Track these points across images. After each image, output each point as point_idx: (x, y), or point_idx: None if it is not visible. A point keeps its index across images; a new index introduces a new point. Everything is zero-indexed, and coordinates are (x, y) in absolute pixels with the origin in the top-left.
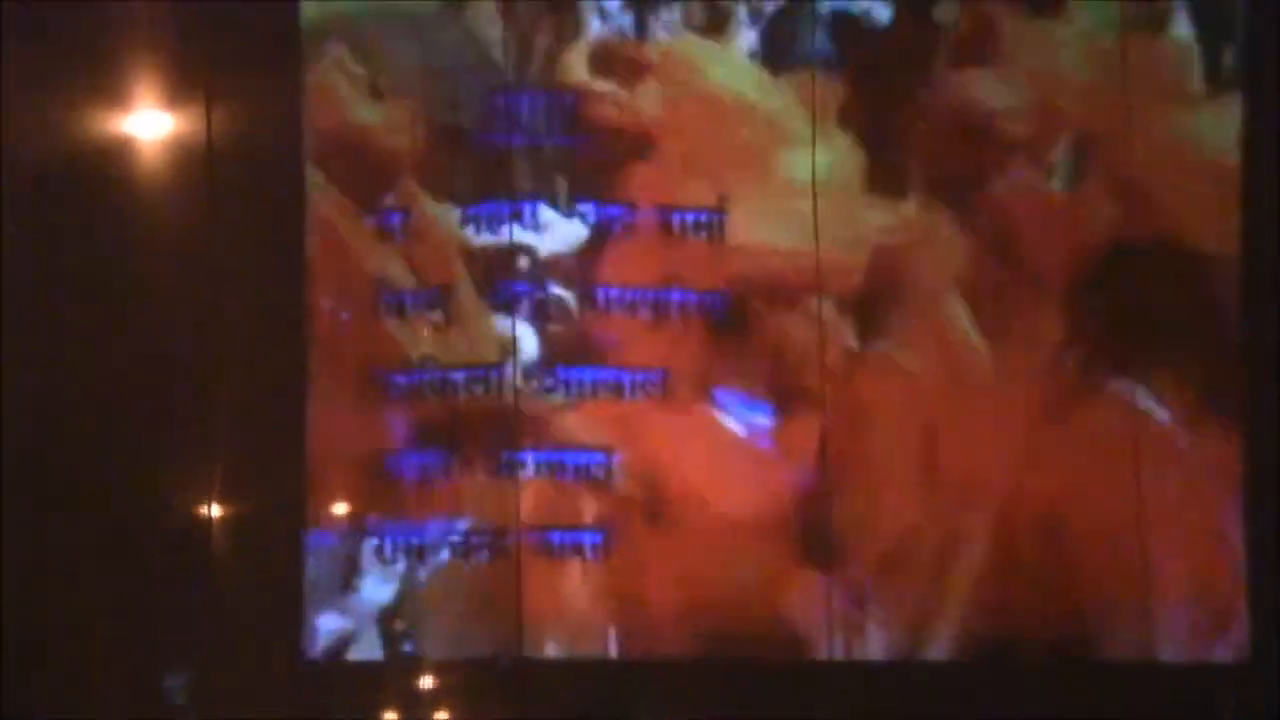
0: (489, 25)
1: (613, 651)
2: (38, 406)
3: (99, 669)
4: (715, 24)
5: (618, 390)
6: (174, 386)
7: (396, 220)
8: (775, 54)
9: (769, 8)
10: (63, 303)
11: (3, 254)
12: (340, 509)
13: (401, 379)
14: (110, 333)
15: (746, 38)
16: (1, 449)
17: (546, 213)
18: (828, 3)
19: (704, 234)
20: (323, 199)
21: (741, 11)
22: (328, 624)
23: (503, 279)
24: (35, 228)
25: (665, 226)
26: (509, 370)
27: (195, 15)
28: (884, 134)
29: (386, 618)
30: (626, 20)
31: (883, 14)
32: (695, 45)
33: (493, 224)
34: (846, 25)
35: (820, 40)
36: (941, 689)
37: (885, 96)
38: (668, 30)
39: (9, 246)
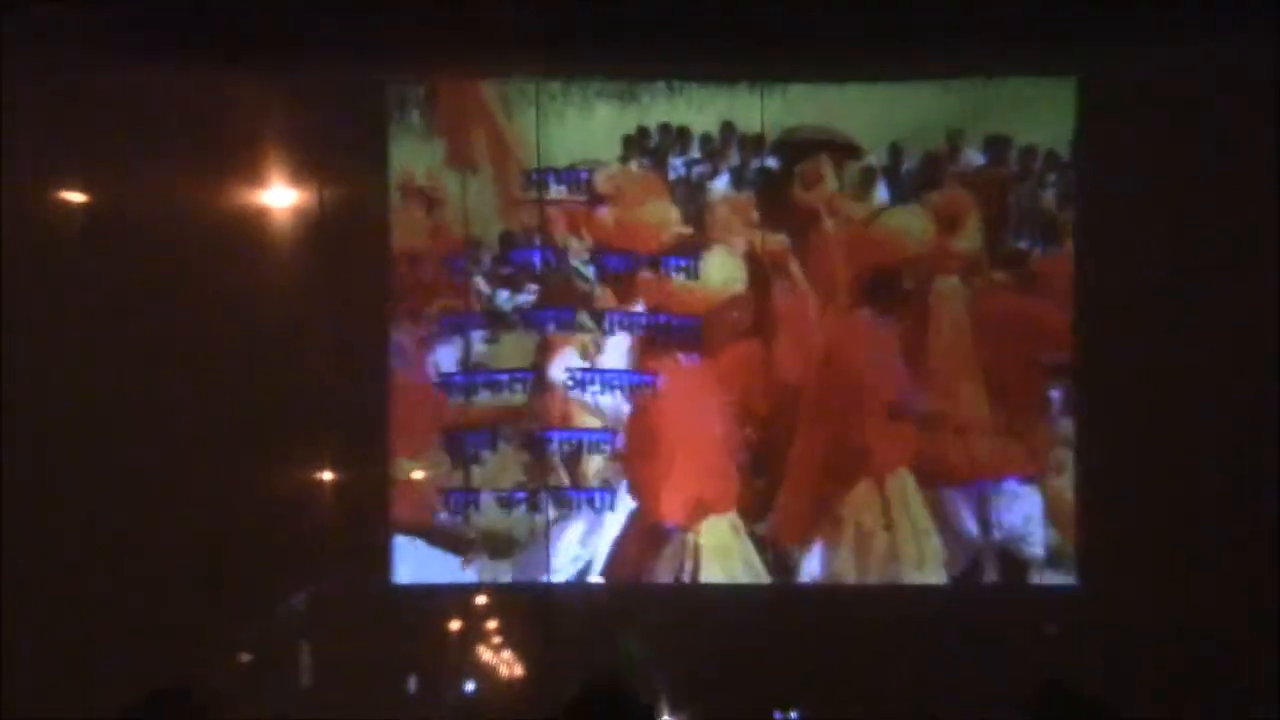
0: None
1: None
2: (174, 411)
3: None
4: None
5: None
6: (299, 384)
7: (460, 264)
8: None
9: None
10: (204, 328)
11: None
12: (417, 473)
13: (462, 379)
14: (240, 356)
15: None
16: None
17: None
18: None
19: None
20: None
21: None
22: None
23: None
24: (167, 278)
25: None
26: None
27: (301, 99)
28: None
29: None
30: None
31: None
32: None
33: (526, 267)
34: None
35: None
36: None
37: None
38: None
39: (152, 288)
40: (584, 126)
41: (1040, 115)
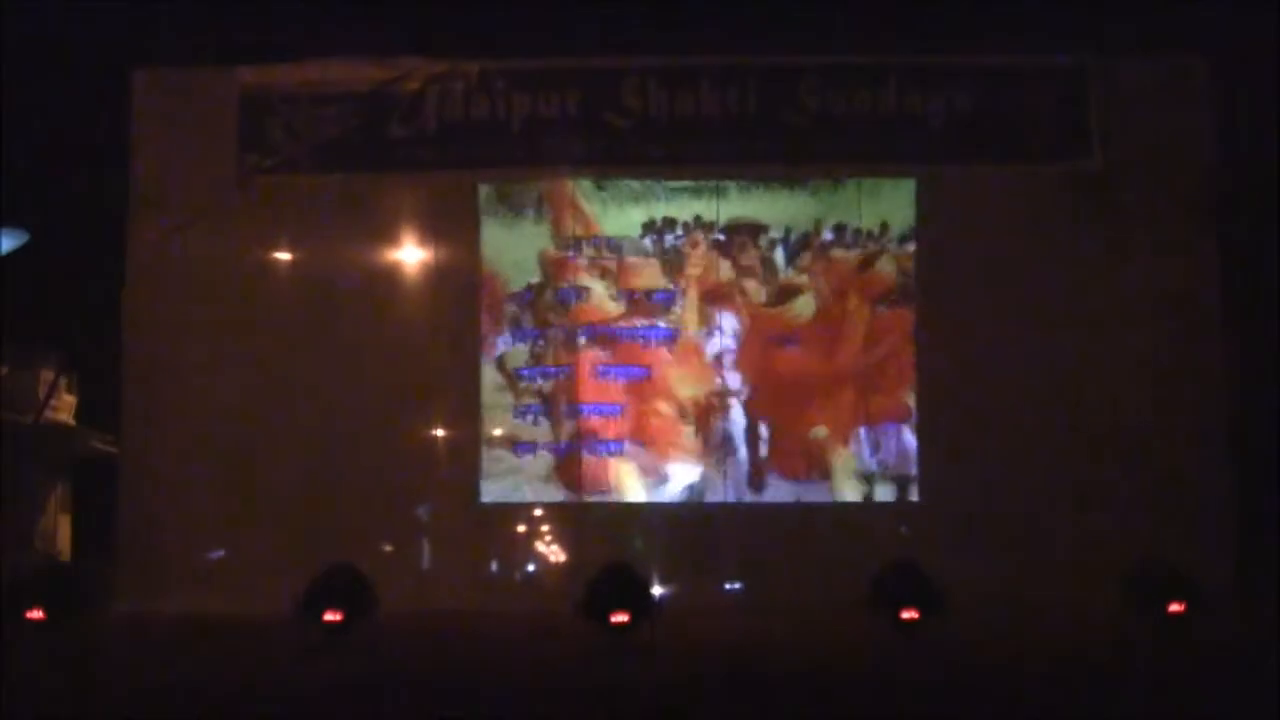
0: None
1: None
2: (348, 390)
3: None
4: None
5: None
6: (426, 375)
7: (529, 297)
8: None
9: None
10: (365, 342)
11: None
12: (497, 431)
13: (526, 372)
14: (389, 357)
15: None
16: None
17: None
18: None
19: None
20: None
21: None
22: (491, 484)
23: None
24: (349, 310)
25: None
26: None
27: (425, 194)
28: None
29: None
30: None
31: None
32: None
33: (566, 300)
34: None
35: None
36: None
37: None
38: None
39: (336, 317)
40: (619, 213)
41: (876, 208)
